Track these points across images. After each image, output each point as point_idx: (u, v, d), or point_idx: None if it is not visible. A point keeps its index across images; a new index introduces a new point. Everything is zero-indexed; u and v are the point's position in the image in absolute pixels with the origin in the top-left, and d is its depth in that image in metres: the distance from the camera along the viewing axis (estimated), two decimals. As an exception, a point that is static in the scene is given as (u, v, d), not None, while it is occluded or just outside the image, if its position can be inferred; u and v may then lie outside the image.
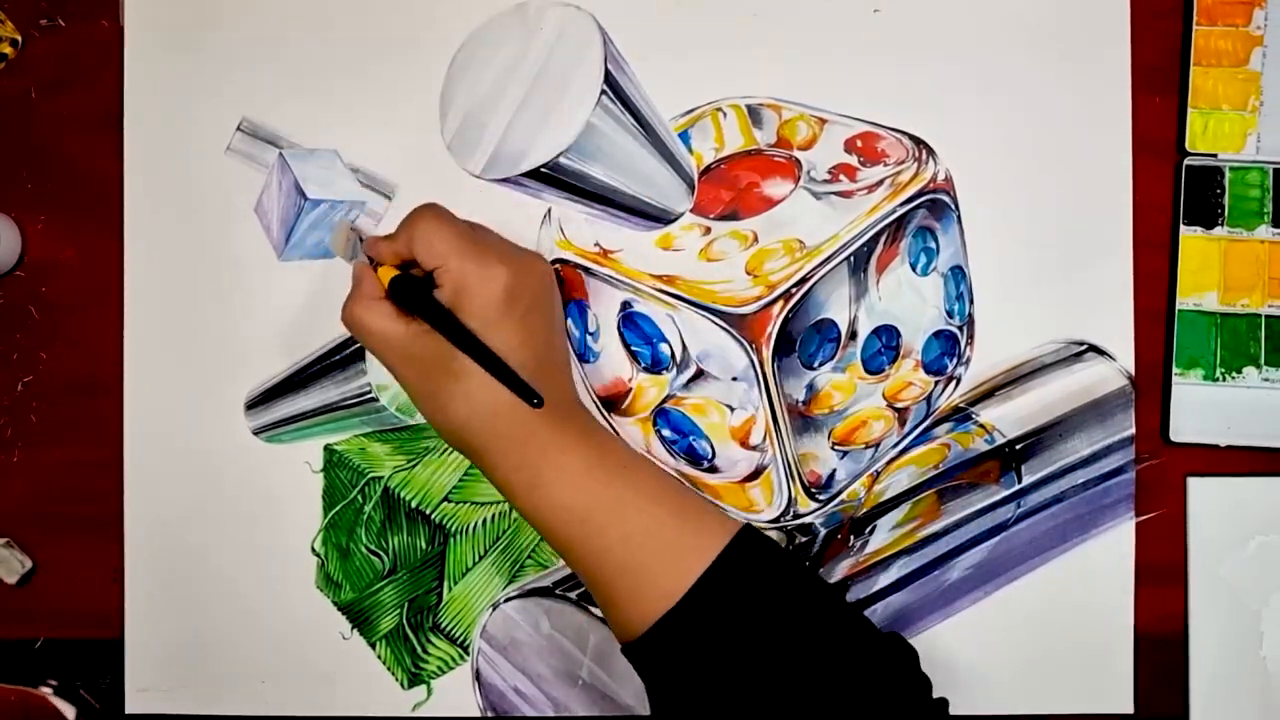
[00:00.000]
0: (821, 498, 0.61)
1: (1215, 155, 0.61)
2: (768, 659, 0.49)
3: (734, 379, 0.59)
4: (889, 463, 0.61)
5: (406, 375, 0.53)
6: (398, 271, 0.54)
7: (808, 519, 0.61)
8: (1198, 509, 0.61)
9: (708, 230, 0.61)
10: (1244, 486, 0.61)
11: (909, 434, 0.61)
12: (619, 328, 0.61)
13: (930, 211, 0.60)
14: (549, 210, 0.62)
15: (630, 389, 0.61)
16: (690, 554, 0.50)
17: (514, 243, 0.56)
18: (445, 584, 0.62)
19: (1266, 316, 0.61)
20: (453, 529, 0.62)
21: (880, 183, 0.60)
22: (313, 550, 0.63)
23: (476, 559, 0.62)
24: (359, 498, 0.63)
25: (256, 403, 0.63)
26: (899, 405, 0.61)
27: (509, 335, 0.52)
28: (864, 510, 0.61)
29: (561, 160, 0.60)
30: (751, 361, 0.59)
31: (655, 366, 0.60)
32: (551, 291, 0.55)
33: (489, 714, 0.62)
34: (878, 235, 0.60)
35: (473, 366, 0.51)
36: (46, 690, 0.62)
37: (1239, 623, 0.61)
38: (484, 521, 0.62)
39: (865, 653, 0.50)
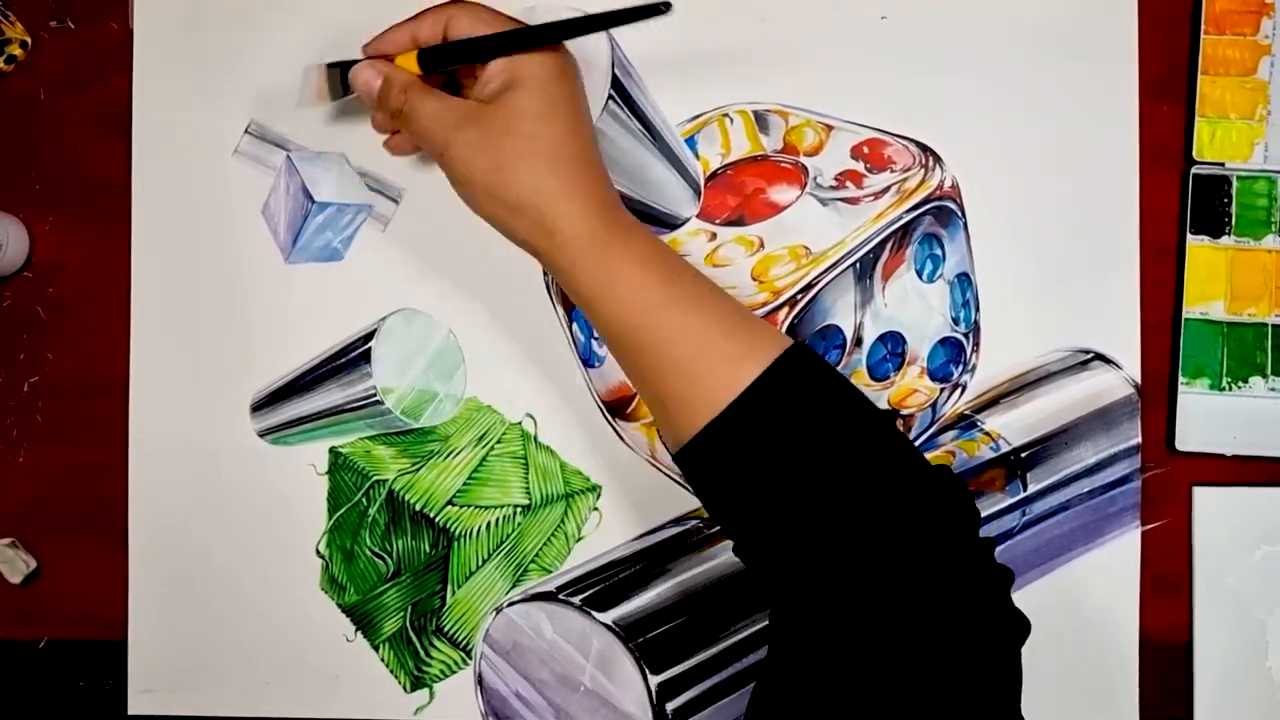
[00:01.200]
0: (826, 504, 0.61)
1: (1223, 164, 0.61)
2: (816, 470, 0.47)
3: (739, 384, 0.59)
4: (894, 470, 0.61)
5: (467, 153, 0.51)
6: (419, 51, 0.53)
7: (812, 525, 0.61)
8: (1203, 519, 0.61)
9: (714, 235, 0.61)
10: (1249, 496, 0.61)
11: (914, 441, 0.61)
12: (624, 332, 0.61)
13: (936, 218, 0.60)
14: (555, 215, 0.61)
15: (635, 394, 0.61)
16: (744, 359, 0.48)
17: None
18: (449, 588, 0.62)
19: (1273, 326, 0.61)
20: (457, 532, 0.62)
21: (887, 189, 0.60)
22: (317, 553, 0.63)
23: (480, 563, 0.62)
24: (364, 500, 0.63)
25: (262, 405, 0.63)
26: (904, 412, 0.61)
27: (576, 108, 0.51)
28: (868, 517, 0.61)
29: (568, 165, 0.60)
30: (757, 367, 0.59)
31: (660, 371, 0.60)
32: (580, 86, 0.54)
33: (491, 718, 0.62)
34: (884, 242, 0.59)
35: (545, 124, 0.50)
36: None
37: (1244, 633, 0.60)
38: (488, 525, 0.62)
39: (914, 475, 0.48)
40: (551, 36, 0.51)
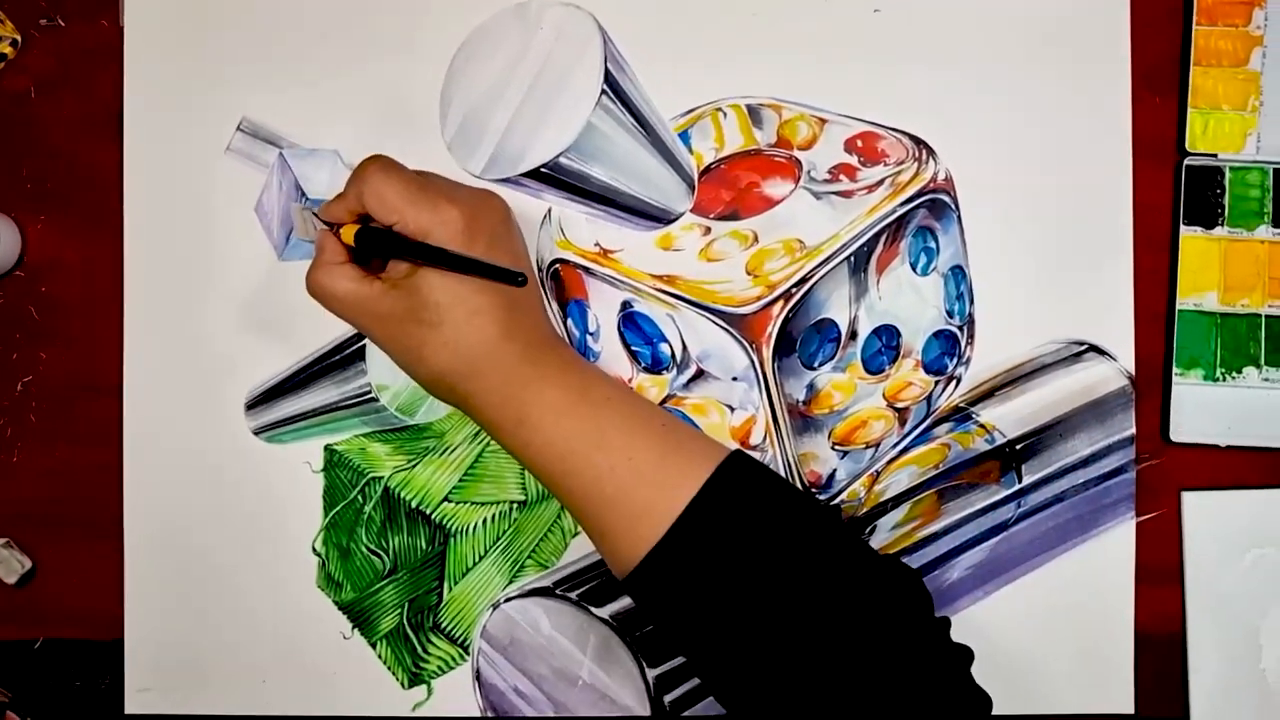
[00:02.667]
0: (822, 498, 0.61)
1: (1215, 155, 0.61)
2: (764, 581, 0.48)
3: (734, 379, 0.59)
4: (889, 463, 0.61)
5: (381, 334, 0.53)
6: (358, 226, 0.54)
7: (808, 519, 0.61)
8: (1192, 522, 0.61)
9: (708, 230, 0.61)
10: (1238, 500, 0.61)
11: (909, 434, 0.61)
12: (619, 328, 0.61)
13: (930, 211, 0.60)
14: (549, 210, 0.62)
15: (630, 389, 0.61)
16: (679, 482, 0.50)
17: (463, 183, 0.56)
18: (445, 584, 0.62)
19: (1267, 316, 0.61)
20: (453, 529, 0.62)
21: (880, 182, 0.60)
22: (313, 550, 0.63)
23: (477, 559, 0.62)
24: (359, 498, 0.63)
25: (257, 403, 0.63)
26: (899, 405, 0.61)
27: (484, 277, 0.52)
28: (864, 510, 0.61)
29: (561, 160, 0.60)
30: (752, 361, 0.59)
31: (655, 366, 0.60)
32: (509, 224, 0.55)
33: (489, 714, 0.62)
34: (878, 235, 0.60)
35: (446, 311, 0.51)
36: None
37: (1237, 636, 0.61)
38: (484, 521, 0.62)
39: (864, 571, 0.49)
40: (437, 261, 0.51)
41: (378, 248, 0.53)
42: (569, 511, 0.53)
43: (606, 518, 0.51)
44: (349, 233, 0.54)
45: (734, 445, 0.53)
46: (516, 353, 0.52)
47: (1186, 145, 0.61)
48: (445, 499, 0.62)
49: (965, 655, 0.49)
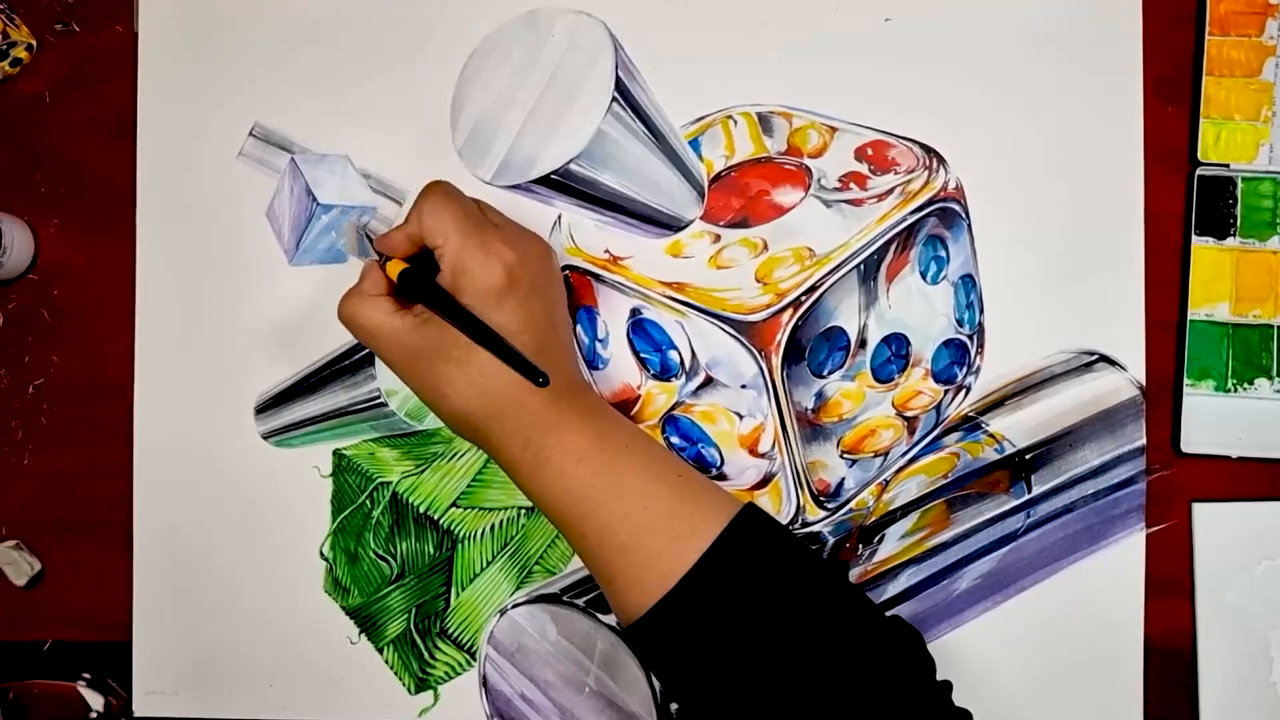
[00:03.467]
0: (830, 506, 0.61)
1: (1227, 165, 0.61)
2: (769, 640, 0.48)
3: (743, 386, 0.59)
4: (898, 471, 0.61)
5: (406, 368, 0.53)
6: (406, 265, 0.54)
7: (816, 527, 0.61)
8: (1203, 534, 0.61)
9: (717, 238, 0.61)
10: (1249, 511, 0.61)
11: (918, 443, 0.61)
12: (628, 335, 0.61)
13: (941, 220, 0.60)
14: (559, 217, 0.62)
15: (639, 396, 0.61)
16: (691, 534, 0.50)
17: (518, 224, 0.56)
18: (453, 589, 0.62)
19: (1279, 328, 0.61)
20: (461, 534, 0.62)
21: (891, 191, 0.60)
22: (321, 555, 0.63)
23: (484, 565, 0.62)
24: (367, 503, 0.63)
25: (266, 407, 0.63)
26: (908, 414, 0.61)
27: (510, 318, 0.52)
28: (873, 519, 0.61)
29: (572, 167, 0.60)
30: (761, 369, 0.59)
31: (664, 374, 0.60)
32: (553, 273, 0.55)
33: (495, 720, 0.62)
34: (888, 243, 0.59)
35: (474, 352, 0.51)
36: (79, 684, 0.62)
37: (1248, 647, 0.60)
38: (492, 527, 0.62)
39: (868, 634, 0.49)
40: (469, 329, 0.51)
41: (418, 294, 0.53)
42: (579, 556, 0.53)
43: (617, 564, 0.51)
44: (394, 268, 0.54)
45: (745, 501, 0.53)
46: (542, 398, 0.52)
47: (1199, 155, 0.61)
48: (453, 504, 0.62)
49: (965, 718, 0.49)
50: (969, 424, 0.61)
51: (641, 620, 0.50)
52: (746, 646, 0.48)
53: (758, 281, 0.59)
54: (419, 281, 0.53)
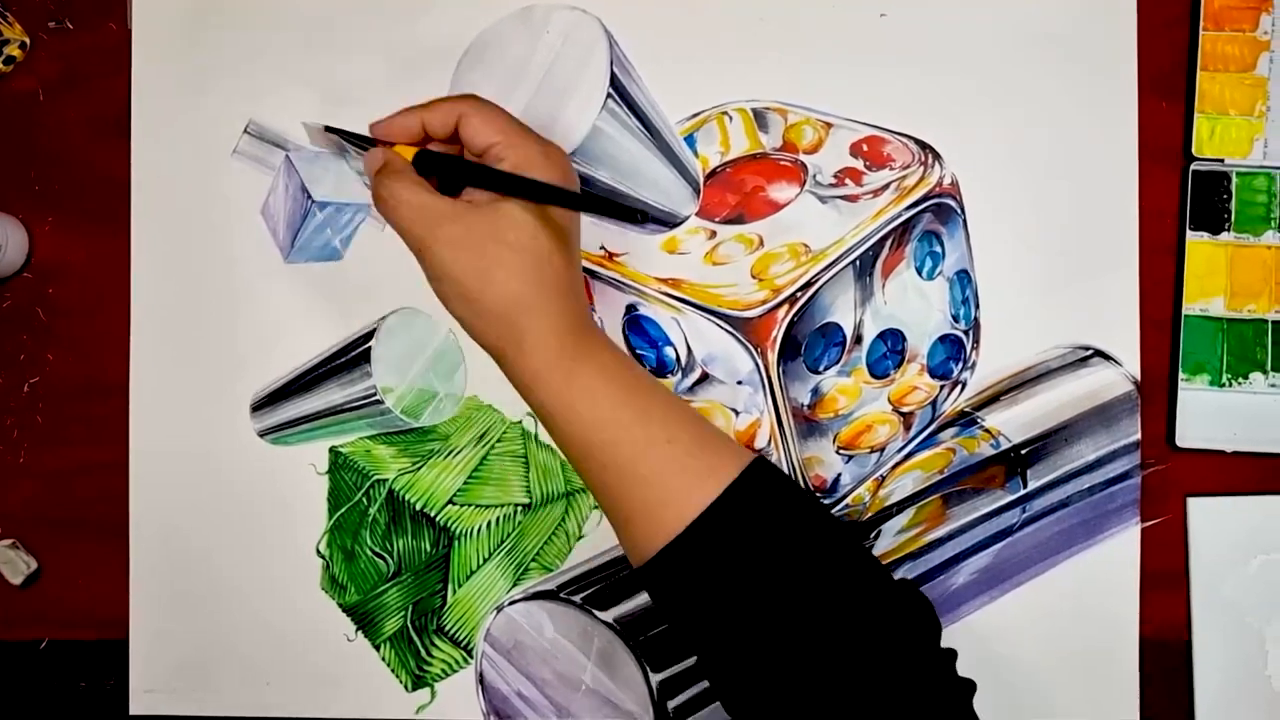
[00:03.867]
0: (826, 502, 0.61)
1: (1222, 160, 0.61)
2: (778, 586, 0.48)
3: (739, 382, 0.59)
4: (894, 467, 0.61)
5: (448, 252, 0.49)
6: (416, 150, 0.52)
7: (812, 523, 0.61)
8: (1198, 528, 0.61)
9: (713, 234, 0.61)
10: (1244, 506, 0.61)
11: (914, 438, 0.61)
12: (624, 331, 0.61)
13: (936, 216, 0.60)
14: (555, 213, 0.62)
15: (635, 392, 0.61)
16: (707, 476, 0.49)
17: None
18: (450, 587, 0.62)
19: (1273, 322, 0.61)
20: (457, 531, 0.62)
21: (886, 187, 0.60)
22: (318, 552, 0.63)
23: (481, 562, 0.62)
24: (364, 500, 0.63)
25: (262, 405, 0.63)
26: (904, 409, 0.61)
27: (566, 231, 0.50)
28: (869, 515, 0.61)
29: (567, 163, 0.60)
30: (756, 365, 0.59)
31: (660, 370, 0.60)
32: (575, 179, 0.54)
33: (492, 718, 0.62)
34: (883, 239, 0.59)
35: (534, 237, 0.49)
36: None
37: (1243, 642, 0.60)
38: (488, 524, 0.62)
39: (876, 589, 0.49)
40: (560, 200, 0.49)
41: (440, 171, 0.50)
42: (593, 491, 0.51)
43: (635, 498, 0.50)
44: (408, 152, 0.51)
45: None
46: (582, 303, 0.51)
47: (1193, 150, 0.61)
48: (450, 502, 0.62)
49: (968, 687, 0.49)
50: (965, 419, 0.62)
51: (655, 559, 0.49)
52: (756, 593, 0.48)
53: (753, 278, 0.59)
54: (440, 161, 0.50)
